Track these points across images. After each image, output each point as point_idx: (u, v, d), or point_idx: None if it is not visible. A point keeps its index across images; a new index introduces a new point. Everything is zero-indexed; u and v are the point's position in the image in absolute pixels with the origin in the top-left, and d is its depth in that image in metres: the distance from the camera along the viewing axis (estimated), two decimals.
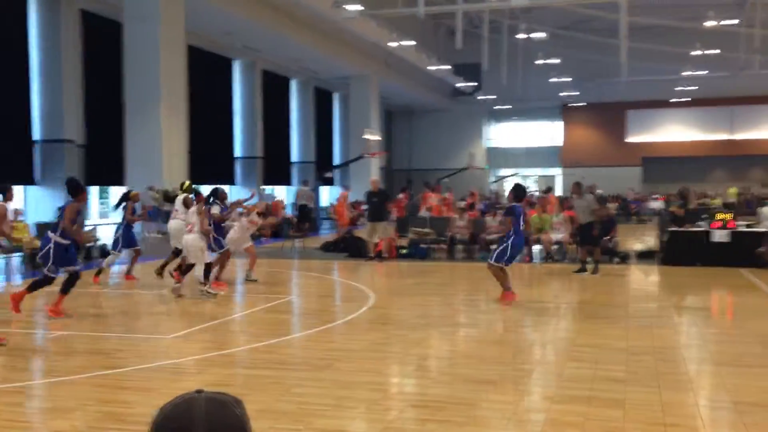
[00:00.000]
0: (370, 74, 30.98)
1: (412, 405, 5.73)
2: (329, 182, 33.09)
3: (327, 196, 33.02)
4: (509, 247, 10.30)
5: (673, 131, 41.07)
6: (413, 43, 28.26)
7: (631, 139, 41.63)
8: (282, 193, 30.54)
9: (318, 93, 32.93)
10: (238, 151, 27.37)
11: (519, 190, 10.82)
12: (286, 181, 30.84)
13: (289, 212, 26.75)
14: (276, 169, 29.23)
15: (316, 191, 28.04)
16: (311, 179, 28.86)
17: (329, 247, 18.79)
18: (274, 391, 6.00)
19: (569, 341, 8.19)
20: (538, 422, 5.31)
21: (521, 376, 6.59)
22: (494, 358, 7.24)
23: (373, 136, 28.51)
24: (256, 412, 5.41)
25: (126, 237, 12.81)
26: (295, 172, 31.29)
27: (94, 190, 23.10)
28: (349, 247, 17.95)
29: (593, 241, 13.90)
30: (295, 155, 31.51)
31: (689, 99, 39.00)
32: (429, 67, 32.77)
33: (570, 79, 37.58)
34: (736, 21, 27.78)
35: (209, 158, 24.63)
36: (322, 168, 31.46)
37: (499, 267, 10.41)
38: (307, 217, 25.13)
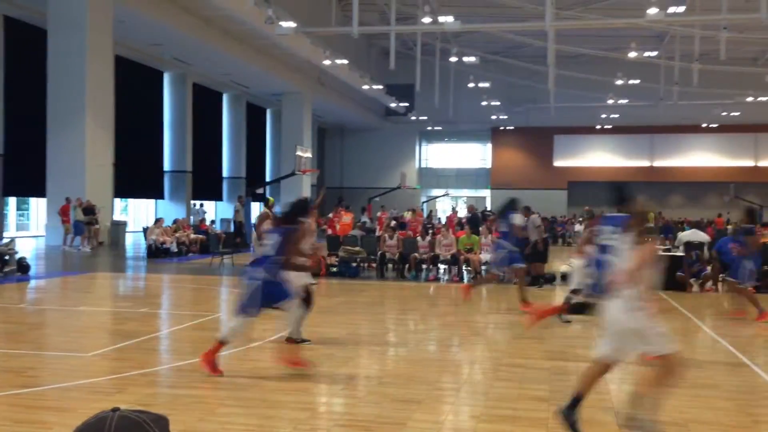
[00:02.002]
0: (303, 91, 30.97)
1: (339, 425, 5.67)
2: (260, 198, 32.75)
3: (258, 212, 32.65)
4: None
5: (598, 157, 42.48)
6: (346, 62, 28.40)
7: (558, 163, 42.81)
8: (211, 208, 30.05)
9: (250, 108, 32.67)
10: (167, 164, 26.83)
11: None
12: (216, 196, 30.38)
13: (218, 228, 26.31)
14: (206, 184, 28.77)
15: (247, 207, 27.71)
16: (243, 195, 28.52)
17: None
18: (197, 411, 5.83)
19: (496, 360, 8.28)
20: None
21: (448, 395, 6.62)
22: (422, 377, 7.24)
23: (305, 153, 28.43)
24: None
25: None
26: (225, 188, 30.87)
27: (12, 202, 22.21)
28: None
29: (541, 258, 14.28)
30: (225, 170, 31.11)
31: (612, 126, 40.45)
32: (362, 87, 32.98)
33: (500, 103, 38.44)
34: (655, 53, 29.00)
35: (137, 171, 24.04)
36: (253, 184, 31.13)
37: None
38: (239, 232, 24.78)
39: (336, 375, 7.39)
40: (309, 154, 29.65)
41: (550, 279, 16.28)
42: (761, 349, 9.38)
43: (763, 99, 33.67)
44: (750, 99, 34.38)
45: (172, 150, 26.89)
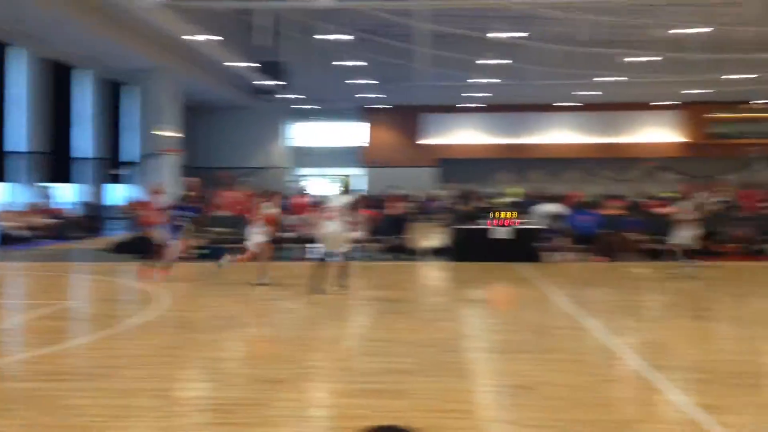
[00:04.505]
0: (167, 68, 29.71)
1: (200, 410, 5.53)
2: (120, 180, 31.26)
3: (125, 194, 31.17)
4: None
5: (466, 134, 43.67)
6: (214, 37, 27.50)
7: (427, 141, 43.66)
8: (67, 192, 28.33)
9: (107, 85, 31.00)
10: (10, 144, 24.88)
11: None
12: (70, 178, 28.61)
13: (71, 211, 24.83)
14: (57, 166, 26.99)
15: (102, 189, 26.22)
16: (98, 177, 26.97)
17: (122, 248, 17.72)
18: (42, 405, 5.50)
19: (362, 337, 8.36)
20: (327, 417, 5.36)
21: (314, 374, 6.62)
22: (287, 356, 7.20)
23: (169, 133, 27.35)
24: (19, 428, 4.94)
25: None
26: (81, 169, 29.12)
27: None
28: (144, 248, 17.03)
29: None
30: (79, 151, 29.29)
31: (479, 105, 41.67)
32: (230, 63, 32.09)
33: (372, 82, 38.62)
34: (523, 33, 29.98)
35: None
36: (110, 165, 29.63)
37: None
38: (94, 215, 23.50)
39: (198, 359, 7.21)
40: (173, 134, 28.58)
41: (412, 253, 16.61)
42: (601, 313, 10.00)
43: (619, 79, 35.72)
44: (607, 79, 36.37)
45: (17, 129, 24.97)
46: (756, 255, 16.24)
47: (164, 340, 7.91)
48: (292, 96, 40.03)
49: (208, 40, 27.18)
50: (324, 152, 44.06)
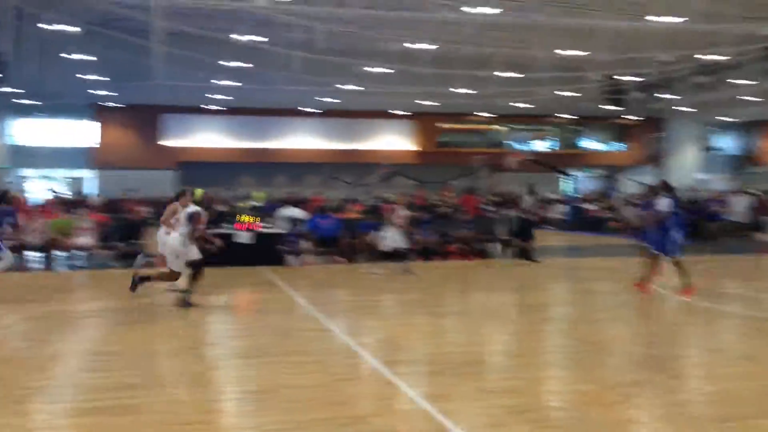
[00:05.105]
0: None
1: None
2: None
3: None
4: None
5: (209, 137, 42.76)
6: None
7: (167, 142, 42.03)
8: None
9: None
10: None
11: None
12: None
13: None
14: None
15: None
16: None
17: None
18: None
19: (89, 351, 7.72)
20: None
21: (32, 394, 5.94)
22: (6, 377, 6.39)
23: None
24: None
25: None
26: None
27: None
28: None
29: None
30: None
31: (225, 108, 41.03)
32: None
33: (105, 78, 36.19)
34: (262, 38, 29.97)
35: None
36: None
37: None
38: None
39: None
40: None
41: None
42: (342, 314, 10.33)
43: (358, 88, 37.27)
44: (347, 87, 37.75)
45: None
46: (478, 254, 17.82)
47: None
48: (14, 90, 36.14)
49: None
50: (50, 152, 40.36)
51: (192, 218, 10.28)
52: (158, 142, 41.84)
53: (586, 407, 5.60)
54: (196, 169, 40.18)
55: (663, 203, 11.62)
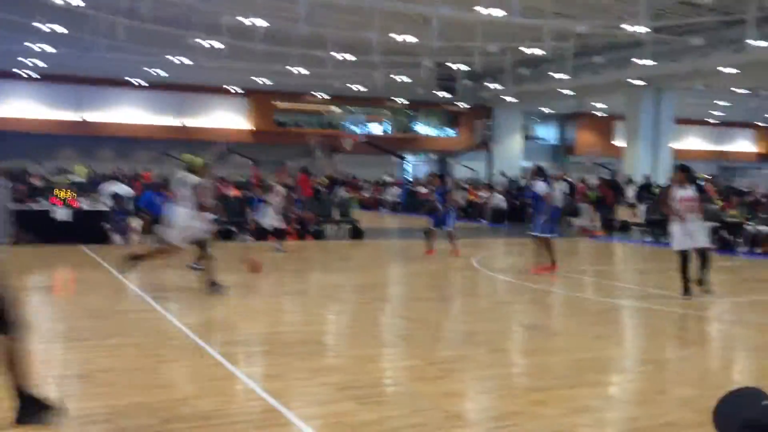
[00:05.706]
0: None
1: None
2: None
3: None
4: None
5: (23, 106, 39.40)
6: None
7: None
8: None
9: None
10: None
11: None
12: None
13: None
14: None
15: None
16: None
17: None
18: None
19: None
20: None
21: None
22: None
23: None
24: None
25: None
26: None
27: None
28: None
29: None
30: None
31: (40, 76, 37.92)
32: None
33: None
34: (81, 3, 27.83)
35: None
36: None
37: None
38: None
39: None
40: None
41: None
42: (171, 293, 9.95)
43: (187, 61, 35.68)
44: (177, 59, 36.05)
45: None
46: (314, 235, 17.83)
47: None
48: None
49: None
50: None
51: None
52: None
53: (410, 382, 5.76)
54: (8, 139, 36.81)
55: (539, 186, 12.50)
